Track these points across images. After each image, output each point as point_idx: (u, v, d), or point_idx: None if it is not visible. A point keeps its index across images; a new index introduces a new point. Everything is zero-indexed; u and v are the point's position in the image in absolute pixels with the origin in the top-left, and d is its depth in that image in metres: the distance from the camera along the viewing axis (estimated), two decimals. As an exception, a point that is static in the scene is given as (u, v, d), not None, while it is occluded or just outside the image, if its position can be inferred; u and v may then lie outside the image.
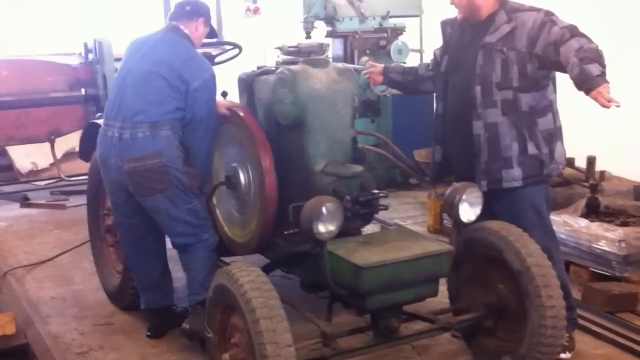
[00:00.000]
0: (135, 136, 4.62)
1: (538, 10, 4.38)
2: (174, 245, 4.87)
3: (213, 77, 4.78)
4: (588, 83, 3.94)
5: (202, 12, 4.92)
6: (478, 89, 4.36)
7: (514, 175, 4.39)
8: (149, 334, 5.13)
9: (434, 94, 4.86)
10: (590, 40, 4.15)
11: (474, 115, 4.39)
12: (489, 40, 4.38)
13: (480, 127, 4.39)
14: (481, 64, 4.37)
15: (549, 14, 4.35)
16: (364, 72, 5.30)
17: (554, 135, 4.50)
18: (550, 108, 4.48)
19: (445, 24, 4.79)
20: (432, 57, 4.95)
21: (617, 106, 3.91)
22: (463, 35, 4.60)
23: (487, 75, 4.36)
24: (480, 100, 4.36)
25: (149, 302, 5.12)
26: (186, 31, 4.84)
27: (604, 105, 3.92)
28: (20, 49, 9.80)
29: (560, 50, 4.17)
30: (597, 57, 4.03)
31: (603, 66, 4.00)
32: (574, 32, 4.19)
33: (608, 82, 3.95)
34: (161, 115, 4.63)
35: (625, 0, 7.35)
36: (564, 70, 4.21)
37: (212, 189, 4.99)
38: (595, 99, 3.93)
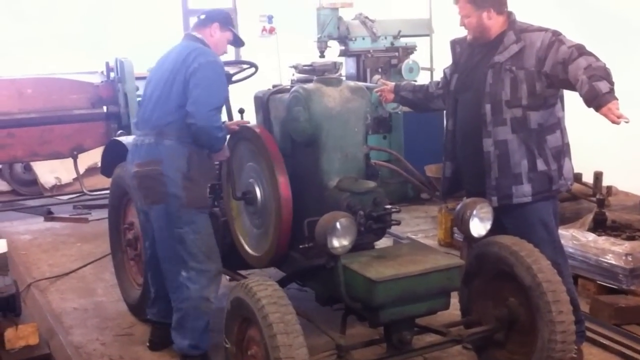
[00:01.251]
0: (144, 142, 4.62)
1: (546, 30, 4.36)
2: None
3: (213, 63, 4.57)
4: (598, 100, 3.91)
5: (216, 18, 4.80)
6: (488, 107, 4.33)
7: (524, 191, 4.36)
8: (148, 345, 5.10)
9: (444, 111, 4.82)
10: (597, 59, 4.12)
11: (484, 132, 4.36)
12: (499, 60, 4.35)
13: (491, 145, 4.35)
14: (491, 83, 4.34)
15: (556, 33, 4.32)
16: (375, 90, 5.27)
17: (562, 151, 4.47)
18: (558, 125, 4.45)
19: (454, 43, 4.76)
20: (442, 75, 4.93)
21: (627, 122, 3.88)
22: (472, 54, 4.58)
23: (497, 93, 4.32)
24: (490, 118, 4.33)
25: (156, 314, 5.07)
26: (199, 36, 4.74)
27: (613, 122, 3.89)
28: (20, 57, 9.90)
29: (568, 69, 4.14)
30: (605, 74, 4.01)
31: (611, 83, 3.98)
32: (581, 50, 4.17)
33: (617, 99, 3.92)
34: (165, 122, 4.55)
35: (609, 20, 7.36)
36: (572, 88, 4.18)
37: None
38: (605, 115, 3.90)
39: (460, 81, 4.58)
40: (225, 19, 4.87)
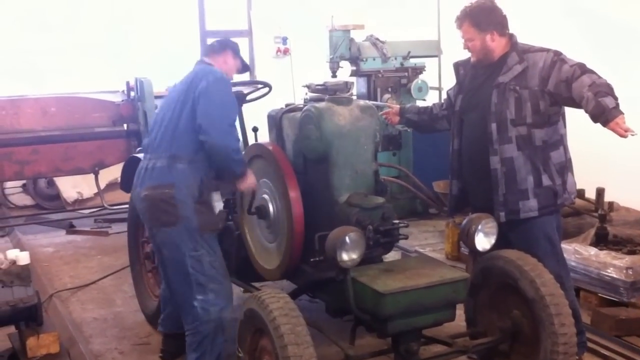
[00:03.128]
0: (155, 165, 4.48)
1: (547, 50, 4.38)
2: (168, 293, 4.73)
3: (222, 80, 4.50)
4: (605, 115, 3.95)
5: (229, 45, 4.80)
6: (494, 126, 4.34)
7: (531, 206, 4.36)
8: (161, 355, 5.08)
9: (451, 131, 4.81)
10: (599, 76, 4.16)
11: (490, 150, 4.37)
12: (503, 80, 4.36)
13: (497, 162, 4.36)
14: (496, 103, 4.36)
15: (557, 53, 4.35)
16: (381, 112, 5.27)
17: (566, 167, 4.49)
18: (561, 142, 4.47)
19: (457, 66, 4.78)
20: (445, 97, 4.95)
21: (633, 134, 3.91)
22: (476, 75, 4.59)
23: (502, 112, 4.34)
24: (496, 136, 4.34)
25: (170, 325, 5.04)
26: (209, 61, 4.70)
27: (622, 135, 3.94)
28: (44, 67, 9.95)
29: (572, 87, 4.17)
30: (609, 90, 4.05)
31: (616, 98, 4.02)
32: (583, 69, 4.20)
33: (623, 113, 3.96)
34: (177, 145, 4.44)
35: (614, 29, 7.37)
36: (575, 105, 4.21)
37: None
38: (613, 130, 3.95)
39: (466, 101, 4.59)
40: (236, 47, 4.88)
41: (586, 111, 4.07)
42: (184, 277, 4.48)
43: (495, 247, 4.21)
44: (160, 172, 4.46)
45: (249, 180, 4.62)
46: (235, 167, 4.49)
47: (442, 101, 5.01)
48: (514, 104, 4.33)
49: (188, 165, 4.44)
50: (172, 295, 4.71)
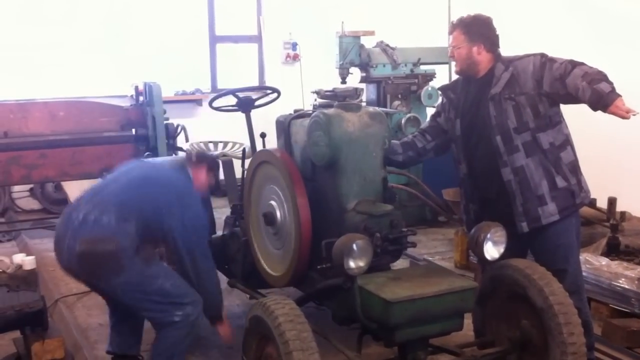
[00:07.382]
0: (99, 219, 4.36)
1: (533, 54, 4.40)
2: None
3: (194, 196, 4.58)
4: (603, 100, 3.98)
5: (206, 161, 4.83)
6: (498, 138, 4.34)
7: (550, 211, 4.34)
8: None
9: (454, 158, 4.75)
10: (590, 66, 4.20)
11: (500, 163, 4.36)
12: (495, 91, 4.36)
13: (509, 173, 4.34)
14: (495, 115, 4.35)
15: (543, 55, 4.38)
16: None
17: (577, 165, 4.48)
18: (567, 142, 4.46)
19: (445, 90, 4.76)
20: (430, 123, 4.89)
21: (635, 114, 3.93)
22: (468, 94, 4.57)
23: (503, 123, 4.33)
24: (503, 148, 4.33)
25: (119, 346, 4.91)
26: (189, 171, 4.72)
27: (623, 117, 3.96)
28: (40, 62, 9.97)
29: (566, 82, 4.20)
30: (603, 77, 4.09)
31: (611, 83, 4.05)
32: (573, 63, 4.24)
33: (620, 96, 3.98)
34: (133, 215, 4.38)
35: (617, 23, 7.37)
36: (574, 101, 4.23)
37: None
38: (614, 113, 3.97)
39: (465, 124, 4.55)
40: (215, 167, 4.92)
41: (584, 101, 4.09)
42: (155, 306, 4.43)
43: (509, 256, 4.20)
44: (103, 227, 4.35)
45: (227, 329, 4.70)
46: (213, 297, 4.60)
47: (424, 129, 4.90)
48: (513, 112, 4.32)
49: (135, 227, 4.37)
50: (151, 322, 4.62)
